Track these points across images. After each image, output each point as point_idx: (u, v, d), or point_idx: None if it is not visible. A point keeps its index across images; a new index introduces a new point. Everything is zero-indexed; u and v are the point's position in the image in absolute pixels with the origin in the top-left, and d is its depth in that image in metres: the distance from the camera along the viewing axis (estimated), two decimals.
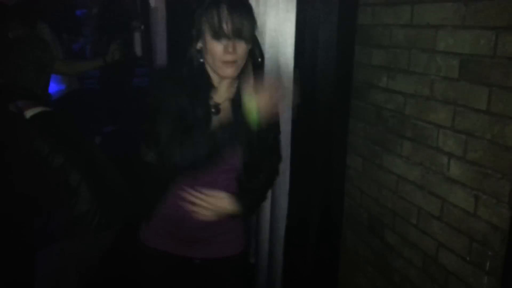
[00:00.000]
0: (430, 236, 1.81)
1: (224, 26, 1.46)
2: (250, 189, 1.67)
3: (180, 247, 1.72)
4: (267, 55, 2.71)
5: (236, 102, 1.58)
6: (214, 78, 1.60)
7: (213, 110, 1.59)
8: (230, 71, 1.52)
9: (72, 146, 1.99)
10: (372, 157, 2.16)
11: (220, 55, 1.49)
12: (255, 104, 1.42)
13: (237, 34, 1.47)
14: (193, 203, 1.56)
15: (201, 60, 1.57)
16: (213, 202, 1.56)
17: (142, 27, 5.03)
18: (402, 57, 1.89)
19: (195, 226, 1.65)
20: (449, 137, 1.67)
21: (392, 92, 1.97)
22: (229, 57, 1.49)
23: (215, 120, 1.59)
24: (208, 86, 1.59)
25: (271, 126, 1.60)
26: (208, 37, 1.50)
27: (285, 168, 2.58)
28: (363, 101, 2.19)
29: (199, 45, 1.56)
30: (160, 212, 1.68)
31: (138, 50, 4.69)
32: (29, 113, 1.89)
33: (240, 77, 1.60)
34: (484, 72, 1.51)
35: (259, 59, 1.68)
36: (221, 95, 1.62)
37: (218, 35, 1.47)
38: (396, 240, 2.02)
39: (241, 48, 1.50)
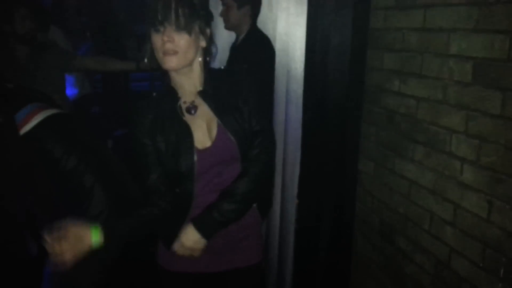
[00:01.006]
0: (443, 242, 1.79)
1: (159, 16, 1.45)
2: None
3: (204, 263, 1.69)
4: (277, 59, 2.71)
5: (206, 93, 1.60)
6: (179, 81, 1.60)
7: (192, 112, 1.60)
8: (171, 62, 1.49)
9: (86, 148, 1.99)
10: (384, 161, 2.15)
11: (160, 46, 1.48)
12: None
13: (173, 23, 1.45)
14: None
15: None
16: None
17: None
18: (414, 61, 1.88)
19: (219, 235, 1.64)
20: (462, 142, 1.66)
21: (404, 96, 1.95)
22: (167, 46, 1.47)
23: (196, 117, 1.60)
24: (171, 91, 1.61)
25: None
26: (151, 32, 1.50)
27: (293, 172, 2.58)
28: (375, 105, 2.18)
29: (149, 45, 1.55)
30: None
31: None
32: (42, 115, 1.91)
33: (203, 69, 1.61)
34: (497, 76, 1.50)
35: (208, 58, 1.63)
36: (189, 92, 1.61)
37: (155, 26, 1.47)
38: (408, 245, 2.00)
39: (181, 38, 1.47)
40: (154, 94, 1.65)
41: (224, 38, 3.12)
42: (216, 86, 1.61)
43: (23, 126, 1.83)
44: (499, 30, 1.49)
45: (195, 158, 1.56)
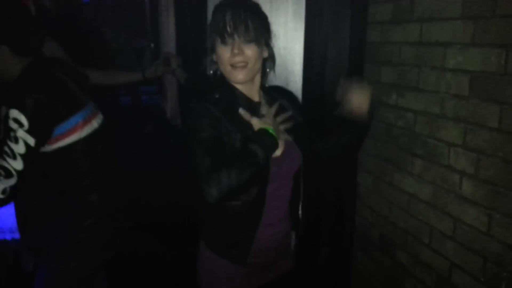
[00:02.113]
0: (443, 256, 1.77)
1: (228, 28, 1.44)
2: None
3: (257, 276, 1.65)
4: (276, 73, 2.72)
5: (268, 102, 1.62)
6: (243, 91, 1.58)
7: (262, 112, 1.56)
8: (240, 76, 1.49)
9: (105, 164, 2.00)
10: (382, 175, 2.14)
11: (228, 59, 1.47)
12: None
13: (242, 35, 1.45)
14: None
15: (218, 71, 1.57)
16: None
17: (152, 45, 5.09)
18: (411, 75, 1.88)
19: (275, 247, 1.64)
20: (460, 155, 1.65)
21: (402, 110, 1.95)
22: (236, 59, 1.46)
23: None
24: (236, 96, 1.56)
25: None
26: (217, 43, 1.49)
27: None
28: (373, 119, 2.17)
29: (214, 56, 1.55)
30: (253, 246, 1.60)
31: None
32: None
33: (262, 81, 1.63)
34: (495, 89, 1.50)
35: (268, 69, 1.64)
36: (253, 96, 1.61)
37: (223, 38, 1.46)
38: (408, 260, 1.99)
39: (250, 50, 1.47)
40: (217, 95, 1.56)
41: None
42: (271, 100, 1.63)
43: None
44: (495, 44, 1.49)
45: (271, 166, 1.51)
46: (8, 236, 2.81)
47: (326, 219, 2.41)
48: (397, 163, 2.02)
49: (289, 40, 2.64)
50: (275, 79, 2.70)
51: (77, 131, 1.84)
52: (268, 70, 1.62)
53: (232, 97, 1.56)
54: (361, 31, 2.17)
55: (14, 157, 1.69)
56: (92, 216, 1.91)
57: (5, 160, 1.69)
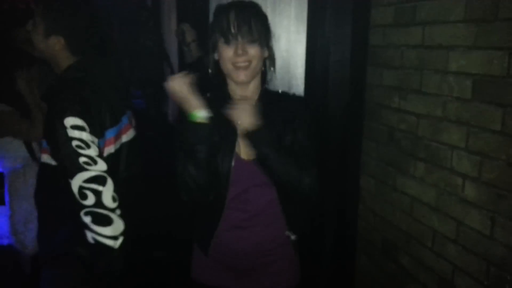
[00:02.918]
0: (446, 259, 1.77)
1: (232, 28, 1.46)
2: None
3: (233, 279, 1.68)
4: (278, 76, 2.72)
5: (257, 108, 1.54)
6: (237, 91, 1.59)
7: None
8: (242, 75, 1.51)
9: None
10: (385, 178, 2.13)
11: (231, 59, 1.49)
12: None
13: (246, 35, 1.47)
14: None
15: (219, 72, 1.58)
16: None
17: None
18: (413, 78, 1.88)
19: (248, 252, 1.63)
20: (463, 158, 1.65)
21: (405, 113, 1.95)
22: (240, 59, 1.48)
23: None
24: (227, 95, 1.60)
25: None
26: (220, 43, 1.51)
27: None
28: (376, 122, 2.18)
29: (216, 55, 1.56)
30: (213, 241, 1.65)
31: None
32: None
33: (262, 82, 1.62)
34: (497, 92, 1.50)
35: (271, 69, 1.64)
36: (248, 97, 1.60)
37: (227, 38, 1.48)
38: (410, 263, 1.98)
39: (253, 50, 1.49)
40: (208, 95, 1.59)
41: None
42: (268, 105, 1.58)
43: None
44: (497, 47, 1.49)
45: (233, 163, 1.55)
46: (4, 242, 2.81)
47: (329, 223, 2.41)
48: (400, 166, 2.01)
49: (292, 43, 2.65)
50: (277, 82, 2.71)
51: (107, 146, 1.76)
52: (267, 70, 1.62)
53: (223, 97, 1.59)
54: (363, 34, 2.18)
55: (95, 162, 1.60)
56: None
57: (88, 170, 1.58)
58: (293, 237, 1.66)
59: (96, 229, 1.58)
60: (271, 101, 1.62)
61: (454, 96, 1.67)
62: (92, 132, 1.63)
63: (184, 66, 3.83)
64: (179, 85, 1.47)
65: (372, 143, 2.22)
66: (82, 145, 1.59)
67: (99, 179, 1.59)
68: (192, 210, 1.71)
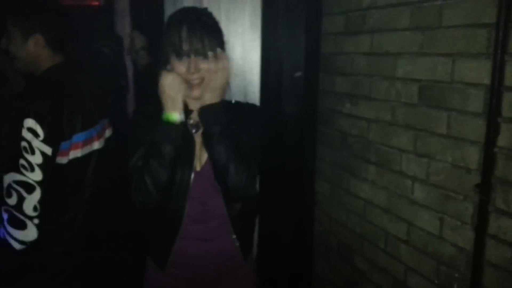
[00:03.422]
0: (398, 260, 1.82)
1: (184, 45, 1.45)
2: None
3: None
4: (234, 83, 2.73)
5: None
6: (190, 102, 1.58)
7: (193, 130, 1.59)
8: (196, 92, 1.50)
9: None
10: (339, 182, 2.17)
11: (184, 75, 1.48)
12: None
13: (198, 52, 1.46)
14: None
15: None
16: None
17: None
18: (364, 84, 1.93)
19: (208, 264, 1.62)
20: (411, 161, 1.70)
21: (356, 118, 2.00)
22: (192, 77, 1.47)
23: (196, 137, 1.59)
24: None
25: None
26: (172, 57, 1.49)
27: None
28: (329, 127, 2.22)
29: (168, 67, 1.53)
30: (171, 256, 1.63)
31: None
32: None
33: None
34: (442, 97, 1.56)
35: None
36: (196, 113, 1.59)
37: (179, 54, 1.47)
38: (365, 265, 2.02)
39: (206, 66, 1.48)
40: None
41: None
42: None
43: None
44: (442, 53, 1.55)
45: (192, 175, 1.55)
46: None
47: (286, 228, 2.42)
48: (353, 170, 2.06)
49: (247, 51, 2.67)
50: (233, 90, 2.72)
51: (73, 149, 1.77)
52: None
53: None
54: (316, 42, 2.22)
55: (32, 169, 1.60)
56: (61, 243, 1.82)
57: (22, 174, 1.60)
58: (237, 243, 1.66)
59: (8, 229, 1.61)
60: (226, 110, 1.60)
61: (402, 101, 1.73)
62: (45, 141, 1.62)
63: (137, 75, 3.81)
64: (171, 82, 1.46)
65: (326, 148, 2.26)
66: (28, 149, 1.59)
67: (28, 187, 1.60)
68: (147, 223, 1.69)
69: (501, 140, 1.37)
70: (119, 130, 2.02)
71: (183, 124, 1.52)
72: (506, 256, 1.37)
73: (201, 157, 1.59)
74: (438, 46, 1.57)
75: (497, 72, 1.35)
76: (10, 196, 1.59)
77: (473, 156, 1.46)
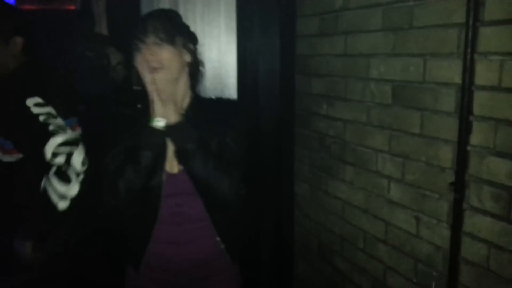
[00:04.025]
0: (377, 260, 1.83)
1: (141, 35, 1.43)
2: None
3: None
4: (211, 87, 2.72)
5: (189, 117, 1.49)
6: (159, 104, 1.49)
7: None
8: (156, 77, 1.42)
9: None
10: (318, 183, 2.18)
11: (143, 63, 1.43)
12: None
13: (153, 36, 1.42)
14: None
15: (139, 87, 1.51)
16: None
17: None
18: (339, 85, 1.94)
19: (185, 268, 1.58)
20: (387, 161, 1.72)
21: (332, 119, 2.01)
22: (151, 62, 1.41)
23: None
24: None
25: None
26: (135, 53, 1.46)
27: None
28: (307, 129, 2.23)
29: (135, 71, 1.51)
30: (146, 256, 1.59)
31: None
32: None
33: (189, 92, 1.54)
34: (415, 97, 1.57)
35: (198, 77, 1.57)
36: (171, 116, 1.51)
37: (137, 45, 1.43)
38: (345, 265, 2.03)
39: (165, 51, 1.43)
40: (139, 105, 1.57)
41: None
42: (199, 115, 1.52)
43: None
44: (413, 54, 1.57)
45: (164, 178, 1.51)
46: None
47: (266, 231, 2.42)
48: (331, 171, 2.06)
49: (223, 53, 2.66)
50: (210, 93, 2.71)
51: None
52: (195, 79, 1.56)
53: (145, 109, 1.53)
54: (290, 44, 2.22)
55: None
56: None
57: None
58: (222, 246, 1.62)
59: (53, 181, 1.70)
60: (202, 109, 1.56)
61: (376, 101, 1.74)
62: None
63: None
64: (166, 85, 1.43)
65: (304, 150, 2.27)
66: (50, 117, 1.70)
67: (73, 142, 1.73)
68: (120, 224, 1.68)
69: (474, 139, 1.39)
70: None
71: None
72: (481, 253, 1.39)
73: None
74: (409, 46, 1.58)
75: (468, 71, 1.36)
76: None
77: (446, 155, 1.48)
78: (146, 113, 1.52)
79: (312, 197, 2.25)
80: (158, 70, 1.43)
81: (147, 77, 1.44)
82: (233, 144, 1.54)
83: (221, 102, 1.63)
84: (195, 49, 1.54)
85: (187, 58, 1.51)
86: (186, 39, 1.50)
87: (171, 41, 1.44)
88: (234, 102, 1.73)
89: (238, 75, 2.46)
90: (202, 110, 1.56)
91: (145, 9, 3.55)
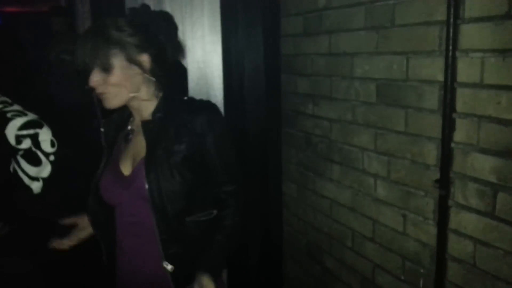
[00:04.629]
0: (366, 258, 1.83)
1: (78, 60, 1.33)
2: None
3: None
4: (196, 87, 2.71)
5: (147, 124, 1.41)
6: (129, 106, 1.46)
7: (128, 137, 1.48)
8: (107, 104, 1.36)
9: None
10: (306, 182, 2.18)
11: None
12: None
13: (92, 65, 1.32)
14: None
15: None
16: None
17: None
18: (324, 84, 1.94)
19: (139, 281, 1.45)
20: (373, 159, 1.72)
21: (318, 118, 2.01)
22: (97, 90, 1.35)
23: (130, 145, 1.47)
24: (128, 114, 1.52)
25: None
26: None
27: None
28: (293, 128, 2.22)
29: None
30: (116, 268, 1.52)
31: None
32: None
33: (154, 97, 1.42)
34: (399, 95, 1.57)
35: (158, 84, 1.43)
36: (138, 120, 1.46)
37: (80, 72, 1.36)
38: (334, 264, 2.03)
39: (107, 78, 1.32)
40: (115, 114, 1.53)
41: None
42: (164, 118, 1.40)
43: None
44: (396, 52, 1.57)
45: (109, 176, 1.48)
46: None
47: (254, 231, 2.41)
48: (318, 170, 2.06)
49: (207, 53, 2.64)
50: (195, 93, 2.70)
51: None
52: (158, 84, 1.41)
53: (126, 116, 1.52)
54: (275, 43, 2.22)
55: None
56: None
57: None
58: (169, 267, 1.39)
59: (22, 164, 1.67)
60: (171, 111, 1.41)
61: (361, 100, 1.74)
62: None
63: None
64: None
65: (291, 149, 2.26)
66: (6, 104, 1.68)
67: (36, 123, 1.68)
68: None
69: (457, 136, 1.39)
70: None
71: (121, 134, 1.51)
72: (468, 250, 1.39)
73: (132, 160, 1.43)
74: (392, 44, 1.58)
75: (450, 68, 1.37)
76: (20, 143, 1.65)
77: (431, 152, 1.48)
78: None
79: (300, 197, 2.24)
80: (106, 97, 1.38)
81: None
82: (219, 155, 1.42)
83: (193, 106, 1.44)
84: (150, 57, 1.37)
85: (138, 71, 1.36)
86: (131, 51, 1.34)
87: (109, 65, 1.33)
88: (207, 107, 1.45)
89: (224, 76, 2.45)
90: (170, 115, 1.41)
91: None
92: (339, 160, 1.91)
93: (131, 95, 1.37)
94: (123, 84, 1.34)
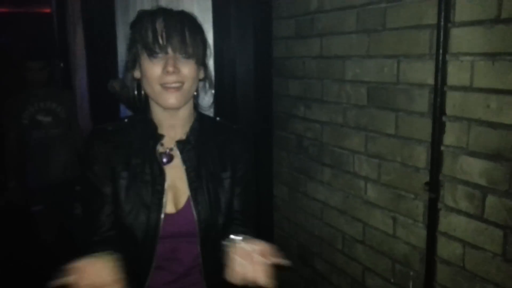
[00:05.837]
0: (356, 261, 1.83)
1: (160, 39, 1.12)
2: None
3: None
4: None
5: (186, 145, 1.23)
6: (163, 118, 1.23)
7: (164, 160, 1.23)
8: (173, 98, 1.15)
9: None
10: (297, 185, 2.18)
11: (159, 78, 1.14)
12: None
13: (178, 48, 1.13)
14: None
15: (142, 92, 1.22)
16: None
17: (62, 64, 4.82)
18: (316, 87, 1.94)
19: None
20: (363, 162, 1.72)
21: (310, 121, 2.01)
22: (170, 79, 1.13)
23: (168, 169, 1.23)
24: (149, 124, 1.24)
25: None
26: (143, 59, 1.16)
27: None
28: (285, 131, 2.23)
29: (137, 73, 1.21)
30: None
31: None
32: None
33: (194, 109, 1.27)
34: (389, 98, 1.58)
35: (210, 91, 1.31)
36: (170, 136, 1.25)
37: (153, 51, 1.13)
38: (325, 267, 2.03)
39: (187, 68, 1.14)
40: (126, 120, 1.28)
41: None
42: (201, 139, 1.25)
43: None
44: (387, 55, 1.58)
45: (162, 216, 1.19)
46: None
47: None
48: (309, 173, 2.06)
49: None
50: None
51: None
52: (200, 94, 1.28)
53: (146, 126, 1.25)
54: (267, 46, 2.22)
55: None
56: None
57: None
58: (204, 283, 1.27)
59: None
60: (206, 131, 1.28)
61: (352, 103, 1.75)
62: None
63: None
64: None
65: (282, 152, 2.26)
66: None
67: None
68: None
69: (447, 139, 1.40)
70: None
71: (152, 150, 1.22)
72: (457, 252, 1.40)
73: (180, 197, 1.23)
74: (383, 48, 1.59)
75: (440, 72, 1.38)
76: None
77: (421, 155, 1.49)
78: None
79: (291, 200, 2.25)
80: (177, 89, 1.16)
81: (159, 96, 1.17)
82: (248, 184, 1.32)
83: (225, 127, 1.33)
84: (208, 63, 1.27)
85: (202, 75, 1.24)
86: (206, 52, 1.22)
87: (197, 55, 1.16)
88: (238, 129, 1.34)
89: (215, 78, 2.44)
90: (206, 133, 1.28)
91: (120, 12, 3.51)
92: (330, 163, 1.91)
93: (190, 97, 1.21)
94: (196, 81, 1.19)
